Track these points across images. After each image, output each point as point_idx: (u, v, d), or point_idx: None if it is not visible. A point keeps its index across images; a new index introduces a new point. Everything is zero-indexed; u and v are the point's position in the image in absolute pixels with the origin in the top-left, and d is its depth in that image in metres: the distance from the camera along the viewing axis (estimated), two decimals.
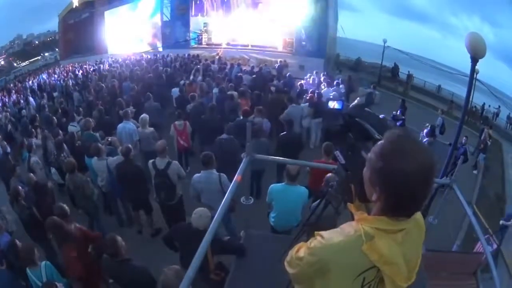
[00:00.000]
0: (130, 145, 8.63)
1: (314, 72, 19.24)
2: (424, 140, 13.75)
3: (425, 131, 14.81)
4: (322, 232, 1.99)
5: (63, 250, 6.08)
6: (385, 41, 27.52)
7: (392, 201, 1.78)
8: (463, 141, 13.98)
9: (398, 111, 17.03)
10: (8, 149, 11.63)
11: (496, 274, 4.02)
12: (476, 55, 7.78)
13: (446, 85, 27.90)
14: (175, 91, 14.48)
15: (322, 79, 18.00)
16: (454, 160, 9.56)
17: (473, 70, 8.22)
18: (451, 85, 27.16)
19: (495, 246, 7.28)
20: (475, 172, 16.52)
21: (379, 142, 1.82)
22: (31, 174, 8.80)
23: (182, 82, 15.70)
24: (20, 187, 7.91)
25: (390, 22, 36.24)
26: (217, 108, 11.38)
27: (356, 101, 2.88)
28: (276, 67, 22.18)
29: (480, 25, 30.09)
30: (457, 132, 9.32)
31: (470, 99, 9.93)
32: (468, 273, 5.40)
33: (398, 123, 15.70)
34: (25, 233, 7.73)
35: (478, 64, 7.98)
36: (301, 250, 2.11)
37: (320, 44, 26.02)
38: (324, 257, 1.92)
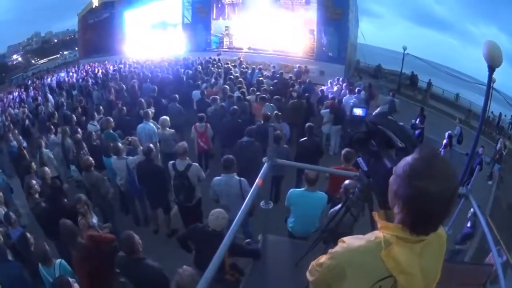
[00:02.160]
0: (151, 145, 8.63)
1: (336, 78, 19.17)
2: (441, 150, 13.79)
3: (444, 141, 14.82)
4: (344, 238, 2.03)
5: (73, 255, 6.05)
6: (405, 48, 27.16)
7: (412, 218, 1.80)
8: (480, 151, 13.90)
9: (417, 120, 16.87)
10: (25, 144, 11.69)
11: (504, 286, 4.00)
12: (493, 64, 7.72)
13: (464, 93, 27.55)
14: (196, 93, 14.42)
15: (343, 85, 17.78)
16: (471, 170, 9.49)
17: (490, 79, 8.15)
18: (469, 94, 26.83)
19: (505, 257, 7.17)
20: (490, 182, 16.27)
21: (410, 159, 1.80)
22: (46, 168, 8.84)
23: (204, 85, 15.69)
24: (34, 182, 7.98)
25: (409, 28, 36.23)
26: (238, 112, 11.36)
27: (379, 109, 2.87)
28: (294, 72, 22.10)
29: (497, 34, 29.90)
30: (474, 142, 9.26)
31: (487, 108, 9.83)
32: (478, 285, 5.37)
33: (416, 132, 15.66)
34: (38, 227, 7.71)
35: (494, 73, 7.92)
36: (322, 257, 2.17)
37: (340, 50, 25.69)
38: (343, 261, 1.96)
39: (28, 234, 6.39)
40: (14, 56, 41.19)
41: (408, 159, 1.81)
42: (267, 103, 12.58)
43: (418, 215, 1.77)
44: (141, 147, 9.10)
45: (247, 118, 12.04)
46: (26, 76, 39.72)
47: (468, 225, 9.07)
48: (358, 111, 3.33)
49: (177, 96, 13.19)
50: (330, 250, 2.07)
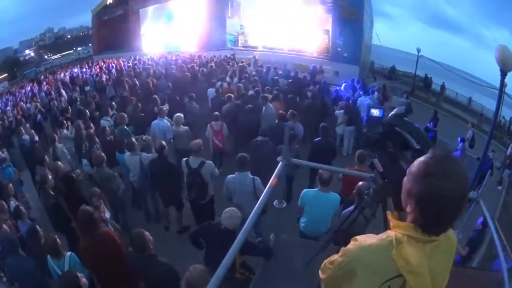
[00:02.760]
0: (163, 142, 8.61)
1: (350, 79, 19.10)
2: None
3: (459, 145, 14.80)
4: (357, 236, 2.08)
5: (81, 244, 6.01)
6: (419, 50, 27.17)
7: (424, 217, 1.84)
8: (490, 155, 13.78)
9: (431, 123, 16.87)
10: (37, 138, 11.74)
11: None
12: (505, 68, 7.70)
13: (477, 97, 27.48)
14: (211, 91, 14.44)
15: (358, 86, 17.70)
16: (481, 174, 9.43)
17: (503, 83, 8.12)
18: (481, 98, 26.69)
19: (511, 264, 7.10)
20: (499, 188, 16.12)
21: (424, 158, 1.85)
22: (59, 162, 8.85)
23: (218, 83, 15.58)
24: (49, 176, 7.99)
25: (423, 30, 36.10)
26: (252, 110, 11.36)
27: (395, 110, 2.87)
28: (310, 71, 22.21)
29: (509, 38, 29.79)
30: (486, 146, 9.22)
31: (499, 113, 9.79)
32: None
33: (430, 135, 15.59)
34: (48, 221, 7.77)
35: (507, 77, 7.91)
36: (334, 256, 2.24)
37: (355, 50, 25.51)
38: (355, 258, 2.01)
39: (38, 227, 6.39)
40: (27, 51, 41.44)
41: (422, 158, 1.86)
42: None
43: (430, 214, 1.81)
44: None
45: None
46: (39, 71, 39.98)
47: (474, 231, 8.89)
48: (375, 112, 3.34)
49: (193, 95, 13.19)
50: (342, 248, 2.11)
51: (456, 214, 1.80)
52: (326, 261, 2.32)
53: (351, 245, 2.03)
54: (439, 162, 1.78)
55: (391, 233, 1.97)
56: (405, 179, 1.95)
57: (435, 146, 1.99)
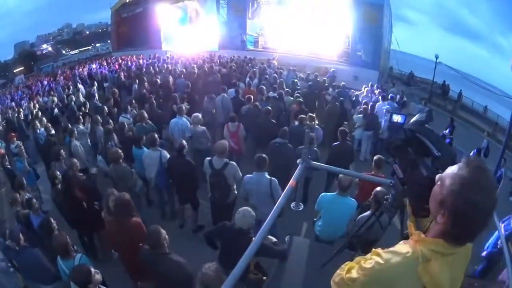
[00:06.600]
0: (184, 141, 8.58)
1: (370, 84, 19.10)
2: None
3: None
4: (380, 251, 2.04)
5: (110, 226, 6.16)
6: (437, 57, 27.23)
7: (456, 229, 1.81)
8: (501, 163, 13.68)
9: (447, 130, 16.79)
10: (53, 131, 11.77)
11: None
12: None
13: (492, 106, 27.27)
14: (231, 91, 14.26)
15: (377, 92, 17.70)
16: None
17: None
18: (497, 107, 26.53)
19: None
20: (511, 199, 16.07)
21: (460, 169, 1.80)
22: (74, 159, 8.85)
23: (239, 84, 15.58)
24: (57, 172, 8.07)
25: (442, 37, 36.07)
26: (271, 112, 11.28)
27: (416, 117, 2.86)
28: (328, 75, 22.11)
29: None
30: (500, 157, 9.15)
31: None
32: None
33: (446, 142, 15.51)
34: (60, 214, 7.86)
35: None
36: (353, 271, 2.12)
37: (374, 55, 25.57)
38: (382, 279, 1.97)
39: (51, 219, 6.44)
40: (44, 46, 41.83)
41: (457, 170, 1.82)
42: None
43: (463, 224, 1.78)
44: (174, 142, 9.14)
45: (284, 119, 12.04)
46: (56, 65, 40.27)
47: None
48: (397, 118, 3.31)
49: (213, 95, 13.17)
50: (363, 264, 2.05)
51: (487, 223, 1.78)
52: (344, 277, 2.16)
53: (375, 264, 1.98)
54: (475, 174, 1.75)
55: (415, 248, 1.93)
56: (436, 189, 1.92)
57: (467, 157, 1.95)
